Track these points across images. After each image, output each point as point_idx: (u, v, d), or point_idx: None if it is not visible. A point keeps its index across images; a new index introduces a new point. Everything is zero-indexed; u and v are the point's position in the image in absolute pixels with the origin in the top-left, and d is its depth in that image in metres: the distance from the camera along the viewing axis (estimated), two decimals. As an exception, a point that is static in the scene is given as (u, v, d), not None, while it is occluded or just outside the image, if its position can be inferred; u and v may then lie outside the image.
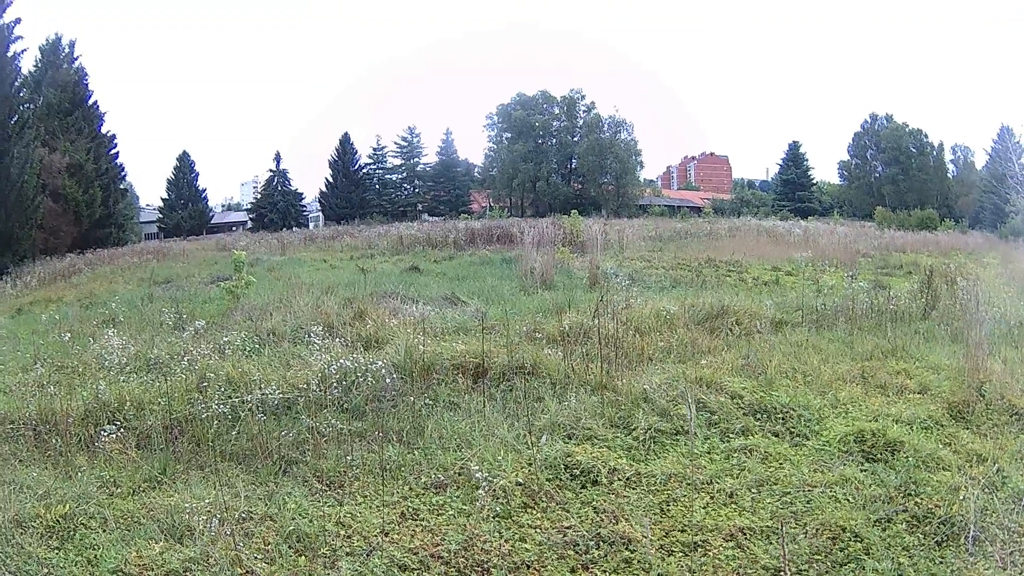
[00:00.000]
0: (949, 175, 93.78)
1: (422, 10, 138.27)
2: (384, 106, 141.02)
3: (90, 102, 61.57)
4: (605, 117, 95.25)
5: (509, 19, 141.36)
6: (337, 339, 12.79)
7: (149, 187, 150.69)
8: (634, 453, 8.05)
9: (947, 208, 77.05)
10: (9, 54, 43.85)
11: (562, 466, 7.60)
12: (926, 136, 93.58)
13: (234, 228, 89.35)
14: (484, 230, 41.79)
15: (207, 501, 6.94)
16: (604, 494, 7.19)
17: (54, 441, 8.77)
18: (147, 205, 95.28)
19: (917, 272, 23.17)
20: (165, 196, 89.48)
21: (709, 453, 8.05)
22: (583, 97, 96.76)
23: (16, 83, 45.57)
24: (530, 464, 7.62)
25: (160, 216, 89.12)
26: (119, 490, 7.66)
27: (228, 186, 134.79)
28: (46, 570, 6.16)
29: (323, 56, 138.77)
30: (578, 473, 7.50)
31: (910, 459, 7.45)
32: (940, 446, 7.87)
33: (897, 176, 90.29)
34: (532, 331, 12.93)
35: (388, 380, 10.02)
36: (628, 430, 8.56)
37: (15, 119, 44.64)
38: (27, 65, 55.55)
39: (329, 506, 7.17)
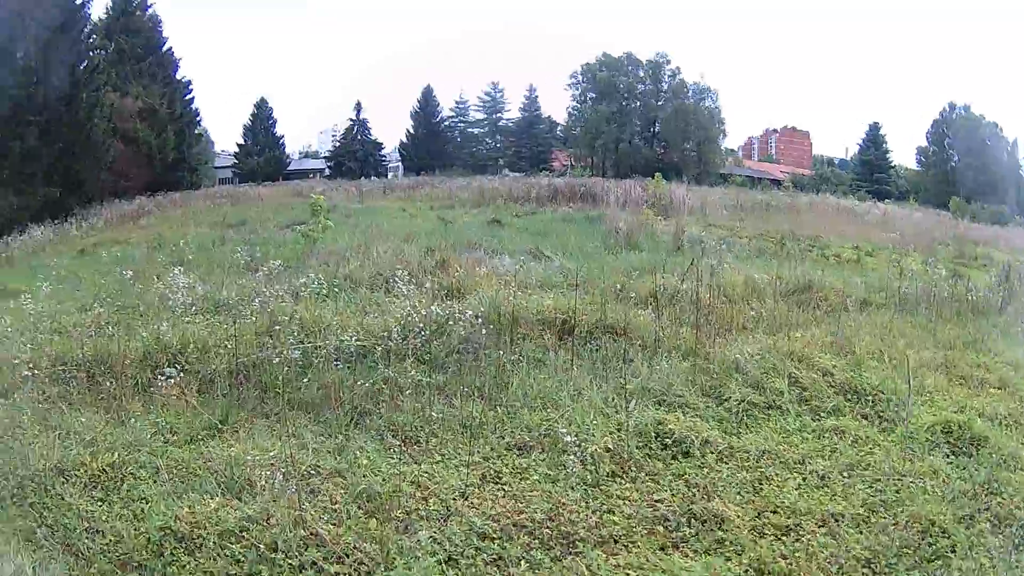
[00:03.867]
0: (1022, 172, 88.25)
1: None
2: (465, 61, 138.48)
3: (164, 48, 61.85)
4: (690, 83, 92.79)
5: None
6: (419, 287, 12.14)
7: (226, 133, 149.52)
8: (726, 425, 7.89)
9: (1018, 205, 75.15)
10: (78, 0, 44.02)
11: (653, 434, 7.40)
12: (1001, 130, 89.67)
13: (311, 175, 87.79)
14: (566, 187, 40.62)
15: (271, 454, 6.71)
16: (696, 467, 7.00)
17: (108, 384, 8.49)
18: (223, 151, 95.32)
19: (992, 266, 22.66)
20: (241, 142, 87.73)
21: (801, 431, 7.87)
22: (668, 61, 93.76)
23: (85, 30, 46.29)
24: (620, 429, 7.40)
25: (236, 161, 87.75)
26: (175, 438, 7.47)
27: (306, 133, 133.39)
28: (86, 524, 5.86)
29: (406, 6, 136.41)
30: (670, 443, 7.30)
31: (993, 456, 7.22)
32: (1020, 445, 7.60)
33: (973, 167, 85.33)
34: (621, 290, 12.77)
35: (471, 332, 9.70)
36: (720, 400, 8.42)
37: (84, 64, 45.34)
38: (98, 12, 57.43)
39: (404, 464, 6.95)
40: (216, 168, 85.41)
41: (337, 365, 9.06)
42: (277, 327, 9.73)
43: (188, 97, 65.40)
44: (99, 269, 17.02)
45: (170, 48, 62.62)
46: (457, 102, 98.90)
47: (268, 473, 6.25)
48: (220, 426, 7.59)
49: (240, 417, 7.91)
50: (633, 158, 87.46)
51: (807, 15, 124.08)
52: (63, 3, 42.25)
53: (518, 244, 20.31)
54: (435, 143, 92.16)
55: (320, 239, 18.71)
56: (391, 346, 9.52)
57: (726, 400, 8.35)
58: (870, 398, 8.66)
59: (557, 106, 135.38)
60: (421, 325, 9.77)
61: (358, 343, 9.63)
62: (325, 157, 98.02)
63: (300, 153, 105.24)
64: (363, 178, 65.16)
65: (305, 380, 8.66)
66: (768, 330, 11.32)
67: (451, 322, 10.04)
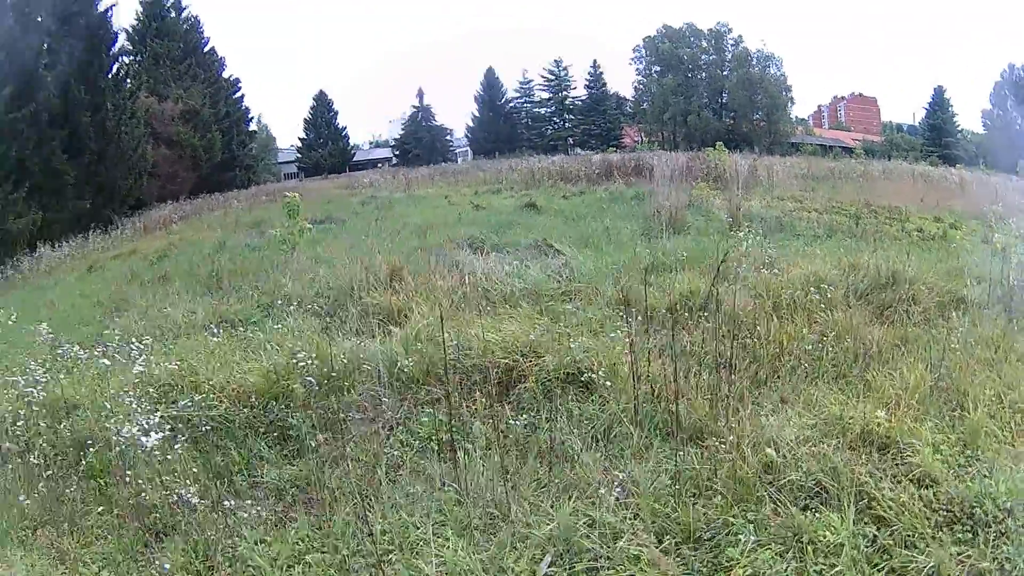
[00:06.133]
0: None
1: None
2: (527, 42, 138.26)
3: (206, 49, 63.37)
4: (753, 51, 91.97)
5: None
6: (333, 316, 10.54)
7: (292, 129, 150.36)
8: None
9: None
10: (100, 8, 44.63)
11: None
12: None
13: (380, 164, 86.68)
14: (622, 163, 38.24)
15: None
16: None
17: None
18: (290, 146, 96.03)
19: None
20: (303, 136, 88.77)
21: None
22: (730, 30, 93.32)
23: (113, 43, 46.48)
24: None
25: (299, 156, 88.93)
26: None
27: (376, 123, 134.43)
28: None
29: None
30: None
31: None
32: None
33: None
34: (622, 299, 9.53)
35: (375, 389, 7.46)
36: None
37: (110, 74, 45.35)
38: (129, 19, 59.59)
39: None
40: (280, 164, 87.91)
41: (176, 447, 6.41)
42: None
43: (237, 96, 66.98)
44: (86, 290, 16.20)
45: (212, 48, 64.45)
46: (521, 83, 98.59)
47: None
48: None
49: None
50: (703, 130, 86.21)
51: None
52: (77, 14, 42.33)
53: (541, 233, 17.55)
54: (501, 125, 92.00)
55: (299, 244, 16.71)
56: (252, 415, 7.32)
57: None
58: (993, 529, 4.91)
59: (623, 81, 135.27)
60: (312, 377, 7.36)
61: (206, 412, 7.35)
62: (392, 145, 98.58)
63: (370, 143, 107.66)
64: (431, 164, 65.57)
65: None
66: (833, 367, 7.72)
67: (353, 372, 7.82)
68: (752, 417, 6.29)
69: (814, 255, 12.87)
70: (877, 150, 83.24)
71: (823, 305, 9.19)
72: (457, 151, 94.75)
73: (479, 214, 23.65)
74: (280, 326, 10.09)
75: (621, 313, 8.97)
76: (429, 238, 17.15)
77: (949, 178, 40.82)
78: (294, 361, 7.69)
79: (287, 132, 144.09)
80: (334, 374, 7.58)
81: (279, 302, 11.61)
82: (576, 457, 5.98)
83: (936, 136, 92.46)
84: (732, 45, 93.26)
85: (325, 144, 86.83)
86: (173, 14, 60.81)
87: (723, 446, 5.80)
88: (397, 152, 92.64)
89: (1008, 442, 6.07)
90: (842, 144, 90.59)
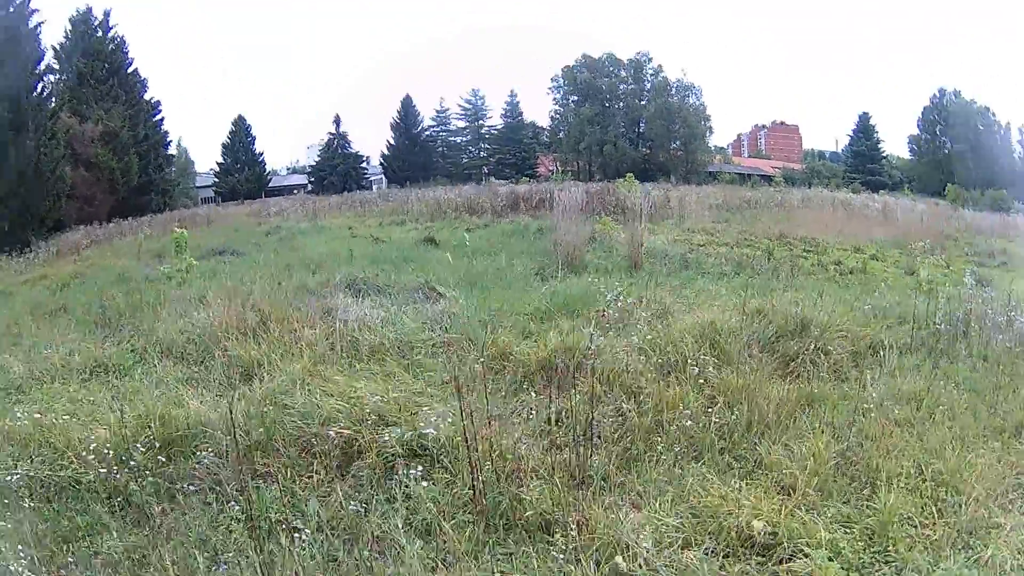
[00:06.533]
0: (1015, 156, 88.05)
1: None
2: (446, 67, 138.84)
3: (129, 70, 61.93)
4: (673, 81, 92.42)
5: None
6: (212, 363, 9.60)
7: (211, 153, 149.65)
8: None
9: (1013, 188, 73.85)
10: (29, 26, 44.37)
11: None
12: (994, 115, 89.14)
13: (296, 191, 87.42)
14: (528, 194, 38.04)
15: None
16: None
17: None
18: (209, 170, 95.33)
19: (1011, 261, 20.83)
20: (221, 160, 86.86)
21: None
22: (650, 60, 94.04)
23: (39, 61, 46.53)
24: None
25: (216, 181, 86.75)
26: None
27: (295, 149, 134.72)
28: None
29: (385, 16, 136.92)
30: None
31: None
32: None
33: (965, 154, 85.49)
34: (502, 358, 8.53)
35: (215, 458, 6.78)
36: None
37: (35, 93, 43.94)
38: (57, 36, 58.30)
39: None
40: (199, 188, 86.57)
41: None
42: None
43: (157, 118, 65.89)
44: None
45: (135, 69, 63.10)
46: (438, 111, 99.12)
47: None
48: None
49: None
50: (619, 160, 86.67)
51: (789, 6, 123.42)
52: (7, 30, 41.88)
53: (441, 269, 16.67)
54: (417, 154, 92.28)
55: (185, 281, 16.06)
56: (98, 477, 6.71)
57: None
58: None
59: (540, 111, 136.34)
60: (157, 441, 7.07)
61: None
62: (308, 172, 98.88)
63: (288, 168, 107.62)
64: (345, 192, 67.67)
65: None
66: (723, 443, 6.61)
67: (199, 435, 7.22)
68: (611, 507, 5.37)
69: (717, 296, 12.12)
70: (798, 178, 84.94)
71: (717, 362, 8.12)
72: (372, 179, 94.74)
73: (377, 248, 23.09)
74: (145, 376, 9.49)
75: (494, 367, 8.15)
76: (317, 276, 16.11)
77: (872, 205, 41.41)
78: (144, 421, 7.30)
79: (207, 156, 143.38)
80: (179, 436, 7.20)
81: (152, 347, 10.89)
82: (401, 551, 5.11)
83: (860, 162, 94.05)
84: (652, 75, 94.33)
85: (242, 169, 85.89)
86: (100, 33, 60.01)
87: (567, 549, 4.88)
88: (312, 179, 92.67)
89: (928, 525, 5.24)
90: (761, 172, 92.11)
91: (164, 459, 6.79)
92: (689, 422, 6.73)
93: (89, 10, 59.58)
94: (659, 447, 6.44)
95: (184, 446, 7.12)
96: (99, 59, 57.38)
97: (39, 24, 44.98)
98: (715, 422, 6.71)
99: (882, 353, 8.97)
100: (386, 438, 6.64)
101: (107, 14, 60.35)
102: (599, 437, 6.25)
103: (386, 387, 7.66)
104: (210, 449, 6.89)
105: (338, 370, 8.57)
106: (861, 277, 17.26)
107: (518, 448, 6.05)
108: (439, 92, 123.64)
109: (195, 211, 54.76)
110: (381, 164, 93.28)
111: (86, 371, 9.97)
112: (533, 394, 7.35)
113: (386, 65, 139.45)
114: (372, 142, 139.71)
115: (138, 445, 6.86)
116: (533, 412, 6.94)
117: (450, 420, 6.74)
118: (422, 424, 6.69)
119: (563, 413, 6.83)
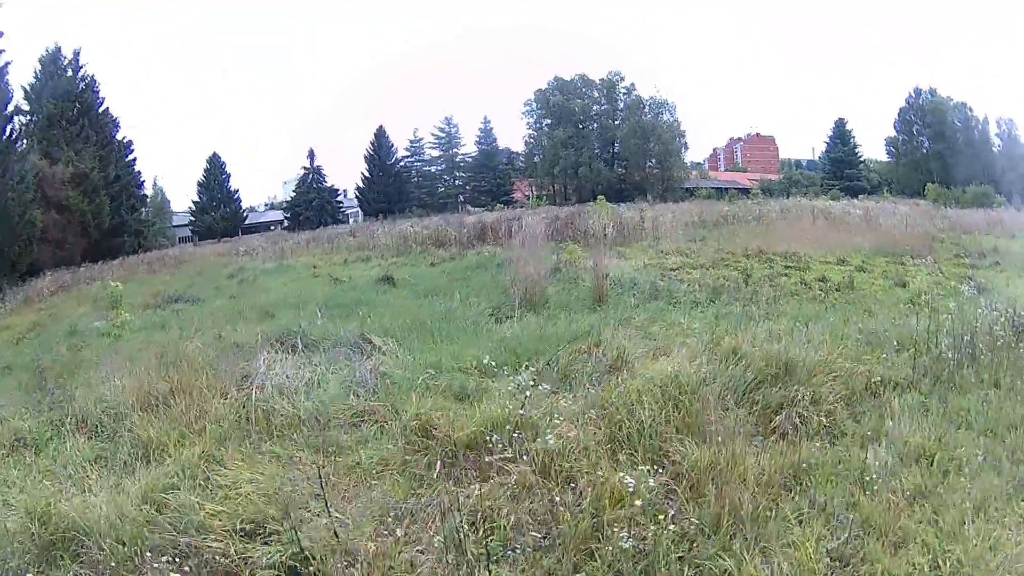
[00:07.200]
0: (995, 149, 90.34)
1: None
2: (418, 97, 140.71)
3: (100, 109, 62.21)
4: (646, 98, 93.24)
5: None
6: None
7: (188, 191, 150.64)
8: None
9: (993, 183, 73.71)
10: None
11: None
12: (971, 110, 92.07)
13: (272, 227, 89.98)
14: (496, 224, 37.18)
15: None
16: None
17: None
18: (185, 209, 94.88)
19: (1004, 260, 20.31)
20: (196, 199, 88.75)
21: None
22: (622, 79, 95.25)
23: (6, 103, 46.87)
24: None
25: (192, 219, 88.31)
26: None
27: (272, 185, 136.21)
28: None
29: (353, 49, 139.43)
30: None
31: None
32: None
33: (944, 152, 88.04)
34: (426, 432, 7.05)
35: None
36: None
37: (4, 136, 45.27)
38: (27, 77, 58.88)
39: None
40: (176, 227, 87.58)
41: None
42: None
43: (129, 158, 66.77)
44: None
45: (106, 109, 63.70)
46: (411, 141, 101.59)
47: None
48: None
49: None
50: (594, 181, 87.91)
51: (760, 18, 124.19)
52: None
53: (391, 312, 15.41)
54: (391, 185, 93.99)
55: (120, 336, 15.80)
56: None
57: None
58: None
59: (514, 136, 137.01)
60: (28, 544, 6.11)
61: None
62: (283, 208, 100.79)
63: (266, 205, 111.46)
64: (320, 226, 68.48)
65: None
66: (678, 552, 5.07)
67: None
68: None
69: (688, 331, 10.79)
70: (775, 188, 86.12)
71: (681, 427, 6.60)
72: (348, 211, 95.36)
73: (335, 289, 22.41)
74: (57, 454, 8.54)
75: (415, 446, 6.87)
76: (263, 325, 14.78)
77: (853, 212, 40.84)
78: (32, 515, 6.32)
79: (184, 195, 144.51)
80: (59, 538, 6.13)
81: (68, 420, 9.65)
82: None
83: (838, 168, 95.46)
84: (624, 94, 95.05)
85: (218, 207, 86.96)
86: (70, 72, 60.41)
87: None
88: (288, 215, 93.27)
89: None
90: (738, 185, 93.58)
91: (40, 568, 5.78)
92: (623, 542, 5.06)
93: (58, 49, 60.58)
94: (597, 558, 4.99)
95: (65, 549, 6.01)
96: (69, 99, 57.93)
97: (6, 64, 46.22)
98: (671, 528, 5.08)
99: (882, 393, 7.77)
100: (256, 556, 5.29)
101: (76, 54, 61.19)
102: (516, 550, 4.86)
103: (282, 478, 6.35)
104: (83, 560, 5.81)
105: (240, 453, 7.30)
106: (849, 294, 16.16)
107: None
108: (414, 122, 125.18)
109: (166, 252, 54.60)
110: (356, 197, 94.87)
111: (5, 446, 8.97)
112: (452, 483, 5.89)
113: (361, 91, 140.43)
114: (348, 174, 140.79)
115: (14, 548, 6.02)
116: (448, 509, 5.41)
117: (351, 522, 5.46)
118: (309, 532, 5.34)
119: (482, 510, 5.44)
